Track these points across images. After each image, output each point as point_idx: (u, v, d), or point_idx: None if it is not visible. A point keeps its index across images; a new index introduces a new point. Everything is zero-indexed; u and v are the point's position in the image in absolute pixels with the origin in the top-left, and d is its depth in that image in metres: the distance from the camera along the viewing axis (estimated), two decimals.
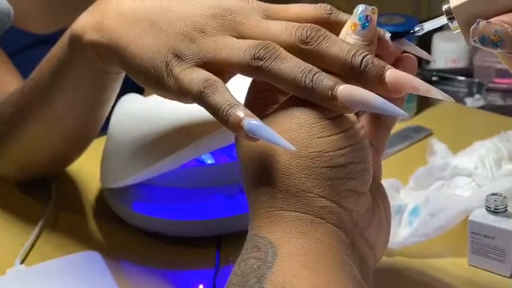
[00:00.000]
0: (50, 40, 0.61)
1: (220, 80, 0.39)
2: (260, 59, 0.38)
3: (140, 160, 0.59)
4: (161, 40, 0.42)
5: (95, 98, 0.60)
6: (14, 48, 0.84)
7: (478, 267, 0.57)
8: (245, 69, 0.39)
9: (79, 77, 0.56)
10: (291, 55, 0.38)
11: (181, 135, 0.57)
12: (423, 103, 0.92)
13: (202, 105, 0.39)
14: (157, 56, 0.42)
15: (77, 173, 0.75)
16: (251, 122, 0.36)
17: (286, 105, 0.39)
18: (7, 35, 0.64)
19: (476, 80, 0.96)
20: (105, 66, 0.52)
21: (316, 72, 0.37)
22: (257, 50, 0.38)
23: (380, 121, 0.45)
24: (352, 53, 0.38)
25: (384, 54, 0.43)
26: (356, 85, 0.38)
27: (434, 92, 0.38)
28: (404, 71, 0.39)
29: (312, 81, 0.37)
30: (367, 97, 0.36)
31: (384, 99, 0.37)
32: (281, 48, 0.38)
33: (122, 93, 0.66)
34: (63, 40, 0.55)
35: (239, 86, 0.61)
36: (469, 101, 0.94)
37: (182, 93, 0.40)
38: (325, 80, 0.37)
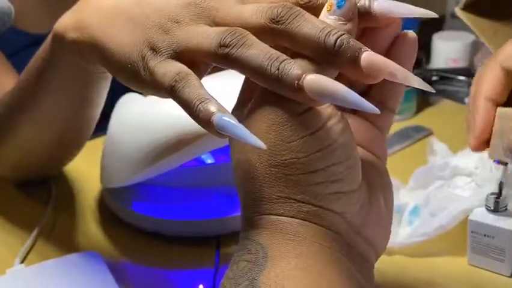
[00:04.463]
0: None
1: (193, 73, 0.37)
2: (226, 46, 0.36)
3: (140, 160, 0.59)
4: (137, 34, 0.41)
5: (82, 99, 0.59)
6: (13, 48, 0.84)
7: (477, 267, 0.57)
8: (213, 57, 0.37)
9: (64, 78, 0.56)
10: (259, 41, 0.36)
11: (181, 135, 0.57)
12: (423, 102, 0.92)
13: (174, 100, 0.37)
14: (134, 50, 0.41)
15: (77, 173, 0.75)
16: (222, 117, 0.34)
17: (256, 102, 0.37)
18: (6, 35, 0.64)
19: None
20: (88, 64, 0.52)
21: (284, 60, 0.34)
22: (223, 37, 0.36)
23: (382, 102, 0.42)
24: (325, 32, 0.34)
25: (377, 30, 0.39)
26: (329, 69, 0.35)
27: (411, 80, 0.34)
28: (403, 50, 0.37)
29: (278, 69, 0.34)
30: (336, 89, 0.33)
31: (354, 93, 0.33)
32: (249, 34, 0.36)
33: (122, 93, 0.66)
34: (47, 40, 0.55)
35: (230, 83, 0.61)
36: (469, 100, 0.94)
37: (157, 88, 0.39)
38: (292, 69, 0.34)
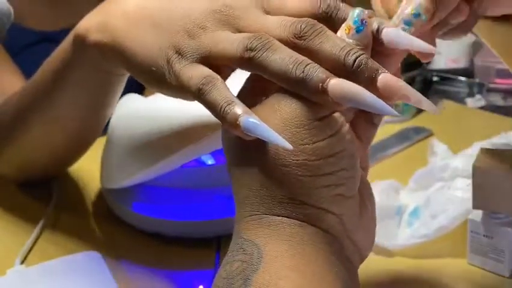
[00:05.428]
0: (53, 38, 0.61)
1: (219, 77, 0.39)
2: (252, 50, 0.37)
3: (140, 161, 0.59)
4: (163, 38, 0.42)
5: (97, 100, 0.60)
6: (18, 46, 0.84)
7: (477, 267, 0.57)
8: (238, 61, 0.38)
9: (82, 79, 0.56)
10: (284, 46, 0.37)
11: (181, 135, 0.57)
12: None
13: (201, 103, 0.39)
14: (159, 53, 0.42)
15: (78, 173, 0.75)
16: (249, 119, 0.35)
17: (272, 101, 0.38)
18: (11, 33, 0.64)
19: (477, 80, 0.96)
20: (108, 66, 0.52)
21: (309, 64, 0.36)
22: (250, 41, 0.37)
23: (367, 116, 0.43)
24: (346, 51, 0.36)
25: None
26: None
27: (424, 103, 0.37)
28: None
29: (303, 72, 0.36)
30: (359, 93, 0.35)
31: (376, 97, 0.35)
32: (274, 40, 0.37)
33: (122, 93, 0.67)
34: (66, 41, 0.55)
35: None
36: (469, 101, 0.94)
37: (183, 90, 0.40)
38: (317, 72, 0.36)
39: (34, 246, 0.63)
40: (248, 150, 0.37)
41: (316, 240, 0.36)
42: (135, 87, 0.75)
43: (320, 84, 0.35)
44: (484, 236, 0.56)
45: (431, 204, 0.62)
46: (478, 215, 0.56)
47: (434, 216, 0.60)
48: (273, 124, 0.36)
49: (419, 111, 0.90)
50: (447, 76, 0.97)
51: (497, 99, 0.93)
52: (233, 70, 0.41)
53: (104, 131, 0.67)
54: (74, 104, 0.60)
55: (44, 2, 0.87)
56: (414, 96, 0.37)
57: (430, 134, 0.84)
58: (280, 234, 0.36)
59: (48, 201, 0.70)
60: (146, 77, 0.44)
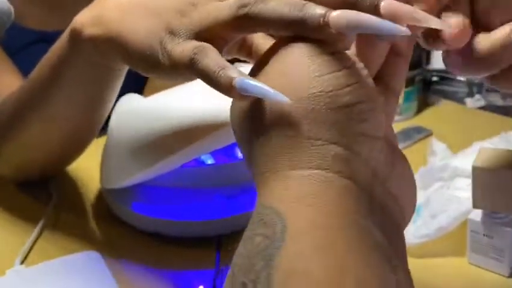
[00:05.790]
0: (51, 38, 0.61)
1: (211, 46, 0.38)
2: (245, 6, 0.37)
3: (139, 161, 0.59)
4: (156, 22, 0.43)
5: (94, 97, 0.60)
6: (17, 45, 0.84)
7: (477, 266, 0.57)
8: (234, 22, 0.38)
9: (79, 75, 0.57)
10: None
11: (181, 135, 0.57)
12: (423, 103, 0.92)
13: (195, 74, 0.38)
14: (152, 36, 0.43)
15: (77, 173, 0.75)
16: (243, 79, 0.35)
17: (274, 49, 0.36)
18: (10, 33, 0.64)
19: (476, 80, 0.96)
20: (105, 60, 0.53)
21: (305, 4, 0.35)
22: (240, 0, 0.37)
23: (394, 48, 0.39)
24: None
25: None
26: None
27: (435, 23, 0.35)
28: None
29: (301, 11, 0.35)
30: (363, 17, 0.34)
31: (379, 18, 0.34)
32: None
33: (121, 93, 0.67)
34: (63, 37, 0.56)
35: None
36: (469, 101, 0.94)
37: (176, 67, 0.40)
38: (315, 8, 0.35)
39: (34, 246, 0.63)
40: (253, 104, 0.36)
41: (345, 199, 0.33)
42: (135, 87, 0.75)
43: (321, 19, 0.34)
44: (484, 235, 0.56)
45: (431, 204, 0.62)
46: (477, 214, 0.56)
47: (434, 216, 0.60)
48: (280, 70, 0.35)
49: (419, 111, 0.90)
50: (446, 76, 0.97)
51: (497, 99, 0.93)
52: (227, 42, 0.40)
53: (104, 131, 0.67)
54: (71, 101, 0.60)
55: (43, 2, 0.87)
56: (424, 17, 0.34)
57: (430, 134, 0.84)
58: (304, 196, 0.32)
59: (48, 201, 0.70)
60: (143, 64, 0.44)
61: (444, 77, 0.98)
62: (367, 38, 0.37)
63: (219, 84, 0.36)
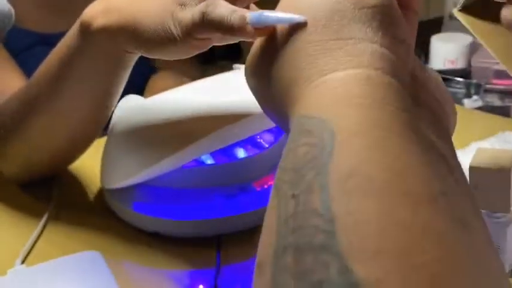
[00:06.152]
0: (52, 41, 0.62)
1: None
2: None
3: (140, 161, 0.60)
4: (165, 0, 0.45)
5: (102, 89, 0.61)
6: (19, 47, 0.84)
7: None
8: None
9: (89, 67, 0.58)
10: None
11: (181, 135, 0.57)
12: None
13: (209, 28, 0.40)
14: (163, 13, 0.45)
15: (78, 173, 0.75)
16: (255, 14, 0.36)
17: None
18: (12, 35, 0.65)
19: (474, 81, 0.96)
20: (117, 48, 0.54)
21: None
22: None
23: None
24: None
25: None
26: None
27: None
28: None
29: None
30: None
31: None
32: None
33: (122, 94, 0.67)
34: (72, 31, 0.57)
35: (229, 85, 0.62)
36: (466, 101, 0.94)
37: (189, 33, 0.42)
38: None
39: (35, 246, 0.63)
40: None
41: (393, 98, 0.30)
42: (135, 88, 0.76)
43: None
44: None
45: None
46: None
47: None
48: None
49: None
50: (445, 77, 0.98)
51: (495, 100, 0.94)
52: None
53: (105, 131, 0.67)
54: (79, 95, 0.61)
55: (44, 4, 0.88)
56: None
57: None
58: (348, 99, 0.30)
59: (48, 201, 0.70)
60: (158, 42, 0.46)
61: (442, 78, 0.98)
62: None
63: (233, 26, 0.38)
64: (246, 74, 0.37)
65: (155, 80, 0.93)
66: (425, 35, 1.05)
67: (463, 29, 0.68)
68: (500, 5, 0.45)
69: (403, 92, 0.31)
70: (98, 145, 0.69)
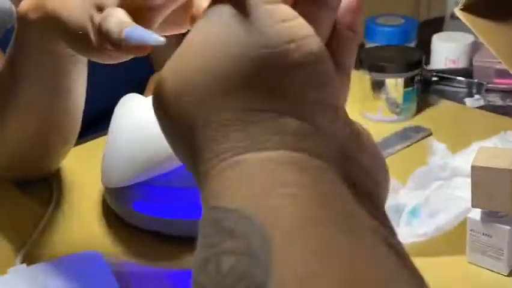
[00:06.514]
0: None
1: (121, 9, 0.39)
2: None
3: (140, 160, 0.59)
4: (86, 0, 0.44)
5: (55, 86, 0.59)
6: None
7: (476, 265, 0.57)
8: None
9: (33, 63, 0.56)
10: None
11: None
12: (423, 103, 0.92)
13: (104, 40, 0.39)
14: (83, 14, 0.43)
15: (79, 172, 0.75)
16: (130, 28, 0.35)
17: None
18: (8, 35, 0.64)
19: (476, 80, 0.96)
20: (51, 44, 0.52)
21: None
22: None
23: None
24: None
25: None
26: None
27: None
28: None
29: None
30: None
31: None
32: None
33: (122, 93, 0.67)
34: (17, 27, 0.56)
35: None
36: (468, 101, 0.94)
37: (101, 40, 0.41)
38: None
39: (35, 245, 0.63)
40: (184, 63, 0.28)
41: (324, 185, 0.26)
42: (136, 87, 0.75)
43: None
44: (483, 234, 0.56)
45: (430, 203, 0.62)
46: (477, 213, 0.56)
47: (433, 215, 0.60)
48: (218, 17, 0.28)
49: (419, 111, 0.90)
50: (446, 76, 0.98)
51: (496, 99, 0.93)
52: (156, 13, 0.41)
53: (106, 130, 0.67)
54: (34, 92, 0.60)
55: None
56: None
57: (429, 134, 0.84)
58: (272, 187, 0.24)
59: (49, 201, 0.70)
60: (78, 43, 0.45)
61: (443, 77, 0.98)
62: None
63: (115, 40, 0.36)
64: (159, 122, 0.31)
65: (156, 78, 0.93)
66: (427, 34, 1.05)
67: (464, 28, 0.68)
68: (506, 4, 0.45)
69: (333, 175, 0.27)
70: (99, 145, 0.68)
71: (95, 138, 0.80)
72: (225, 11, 0.28)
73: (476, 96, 0.95)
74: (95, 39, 0.41)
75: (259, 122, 0.26)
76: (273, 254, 0.22)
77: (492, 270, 0.56)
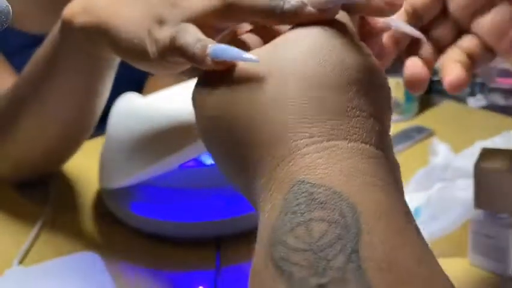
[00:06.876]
0: None
1: (192, 25, 0.38)
2: None
3: (138, 160, 0.59)
4: (144, 10, 0.43)
5: (87, 88, 0.60)
6: (12, 48, 0.84)
7: (478, 267, 0.57)
8: (222, 9, 0.38)
9: (71, 66, 0.57)
10: None
11: (180, 135, 0.57)
12: (425, 103, 0.91)
13: (177, 54, 0.38)
14: (141, 26, 0.43)
15: (76, 173, 0.75)
16: (217, 45, 0.34)
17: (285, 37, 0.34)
18: (4, 35, 0.64)
19: (478, 79, 0.96)
20: (96, 50, 0.53)
21: None
22: None
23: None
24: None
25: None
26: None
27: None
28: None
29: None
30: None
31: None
32: None
33: (121, 92, 0.66)
34: (54, 31, 0.56)
35: None
36: (471, 100, 0.94)
37: (162, 54, 0.40)
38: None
39: (32, 246, 0.63)
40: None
41: (392, 178, 0.30)
42: (134, 86, 0.75)
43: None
44: (485, 236, 0.55)
45: (432, 204, 0.61)
46: (479, 215, 0.56)
47: (435, 217, 0.60)
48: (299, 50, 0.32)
49: (421, 110, 0.90)
50: None
51: (499, 99, 0.93)
52: (216, 32, 0.40)
53: (103, 130, 0.66)
54: (65, 93, 0.60)
55: (38, 4, 0.87)
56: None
57: (431, 134, 0.84)
58: (360, 174, 0.28)
59: (46, 202, 0.70)
60: (131, 53, 0.44)
61: None
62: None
63: (194, 56, 0.36)
64: (197, 105, 0.35)
65: (155, 78, 0.93)
66: None
67: None
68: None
69: (393, 168, 0.32)
70: (96, 145, 0.68)
71: (93, 138, 0.80)
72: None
73: (479, 96, 0.94)
74: (153, 50, 0.41)
75: (354, 118, 0.30)
76: (363, 227, 0.25)
77: (495, 272, 0.56)
